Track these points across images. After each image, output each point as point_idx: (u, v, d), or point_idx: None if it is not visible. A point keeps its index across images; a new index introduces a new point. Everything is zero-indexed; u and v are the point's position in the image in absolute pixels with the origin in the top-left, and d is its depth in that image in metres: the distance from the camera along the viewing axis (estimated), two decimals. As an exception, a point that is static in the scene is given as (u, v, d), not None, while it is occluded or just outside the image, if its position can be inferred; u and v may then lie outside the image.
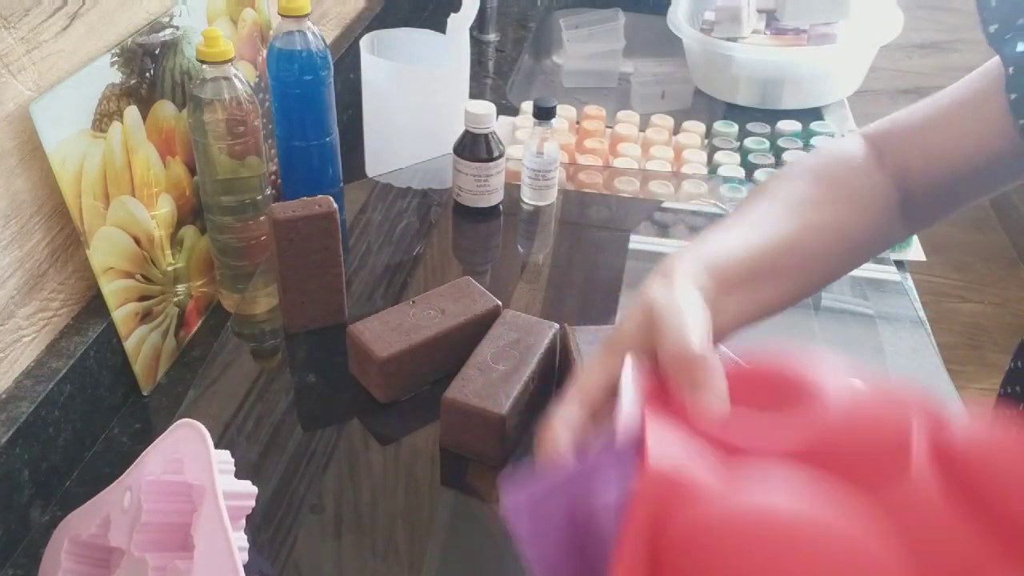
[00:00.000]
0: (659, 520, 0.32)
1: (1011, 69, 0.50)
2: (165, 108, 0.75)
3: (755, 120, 1.20)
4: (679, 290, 0.42)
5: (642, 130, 1.15)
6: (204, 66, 0.72)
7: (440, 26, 1.01)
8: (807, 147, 1.13)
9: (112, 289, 0.70)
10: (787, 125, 1.18)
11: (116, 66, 0.69)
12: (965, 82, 0.55)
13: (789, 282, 0.50)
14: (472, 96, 1.04)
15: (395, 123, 0.98)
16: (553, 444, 0.38)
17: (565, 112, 1.16)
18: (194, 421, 0.49)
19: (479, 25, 1.49)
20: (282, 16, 0.79)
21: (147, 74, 0.73)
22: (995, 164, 0.53)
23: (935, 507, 0.32)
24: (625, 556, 0.31)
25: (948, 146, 0.55)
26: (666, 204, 0.97)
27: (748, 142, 1.14)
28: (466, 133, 0.86)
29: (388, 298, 0.79)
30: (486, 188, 0.88)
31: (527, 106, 1.19)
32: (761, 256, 0.48)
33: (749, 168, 1.08)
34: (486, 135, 0.86)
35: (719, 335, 0.46)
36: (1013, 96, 0.50)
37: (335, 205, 0.69)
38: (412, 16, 1.51)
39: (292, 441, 0.64)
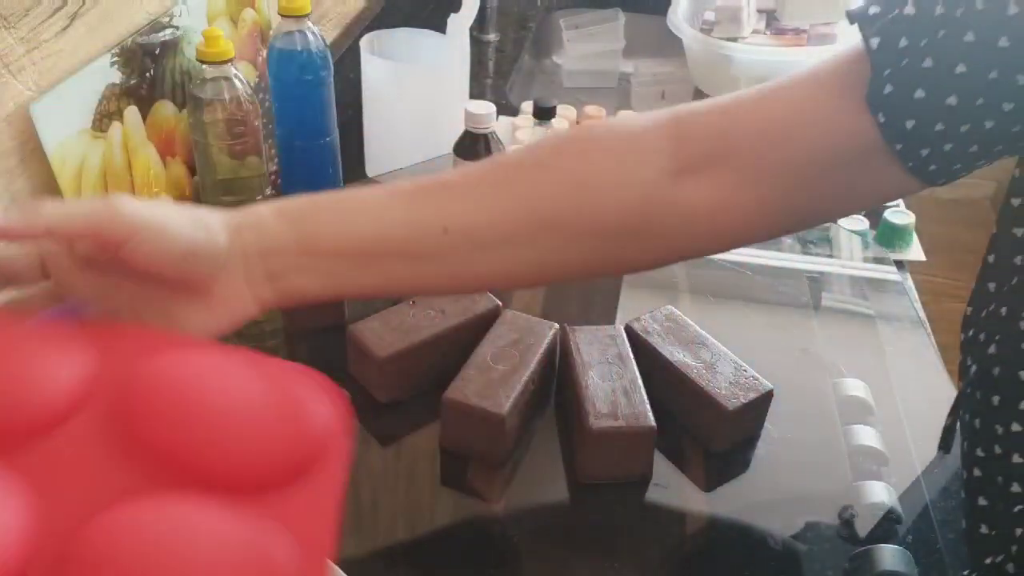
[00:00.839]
0: None
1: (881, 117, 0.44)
2: (165, 108, 0.75)
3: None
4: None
5: (642, 130, 1.15)
6: (204, 66, 0.72)
7: (440, 26, 1.01)
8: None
9: (112, 289, 0.70)
10: (787, 125, 1.18)
11: (116, 66, 0.69)
12: (817, 73, 0.48)
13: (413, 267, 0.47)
14: (472, 96, 1.04)
15: (395, 123, 0.98)
16: None
17: (565, 112, 1.16)
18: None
19: (479, 25, 1.49)
20: (282, 16, 0.79)
21: (147, 74, 0.73)
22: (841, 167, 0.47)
23: (83, 452, 0.35)
24: None
25: (787, 127, 0.47)
26: (666, 204, 0.97)
27: (748, 142, 1.14)
28: (466, 133, 0.86)
29: (388, 298, 0.79)
30: (486, 188, 0.88)
31: (527, 106, 1.19)
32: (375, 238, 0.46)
33: (749, 168, 1.08)
34: (486, 135, 0.86)
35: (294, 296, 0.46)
36: (899, 147, 0.44)
37: (335, 205, 0.69)
38: (412, 16, 1.50)
39: (292, 441, 0.64)
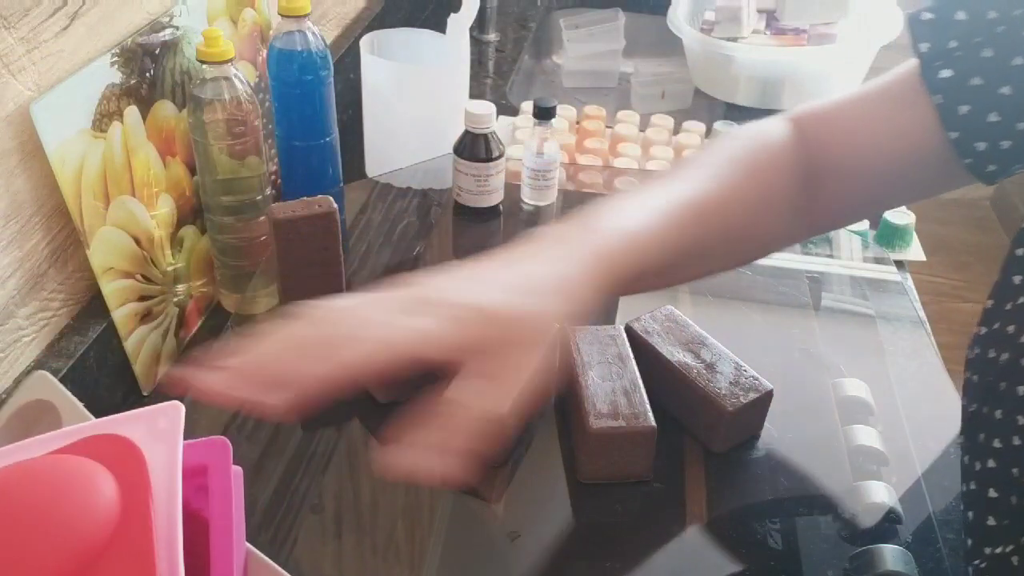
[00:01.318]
0: None
1: (939, 98, 0.49)
2: (165, 108, 0.75)
3: (755, 120, 1.20)
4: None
5: (642, 130, 1.15)
6: (204, 66, 0.72)
7: (440, 26, 1.01)
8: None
9: (112, 289, 0.70)
10: (787, 125, 1.18)
11: (116, 66, 0.69)
12: (894, 76, 0.53)
13: (675, 276, 0.55)
14: (472, 96, 1.04)
15: (395, 123, 0.98)
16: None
17: (565, 112, 1.16)
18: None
19: (479, 25, 1.49)
20: (282, 16, 0.79)
21: (147, 74, 0.73)
22: (914, 167, 0.52)
23: None
24: None
25: (870, 137, 0.53)
26: (666, 204, 0.97)
27: (748, 142, 1.14)
28: (466, 133, 0.86)
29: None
30: (486, 188, 0.88)
31: (527, 106, 1.19)
32: (659, 254, 0.48)
33: (749, 168, 1.08)
34: (486, 135, 0.86)
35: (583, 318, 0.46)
36: (954, 135, 0.49)
37: (335, 205, 0.69)
38: (412, 16, 1.50)
39: (292, 441, 0.64)
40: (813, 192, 0.55)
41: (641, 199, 0.49)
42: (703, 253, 0.52)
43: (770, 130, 0.57)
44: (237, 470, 0.48)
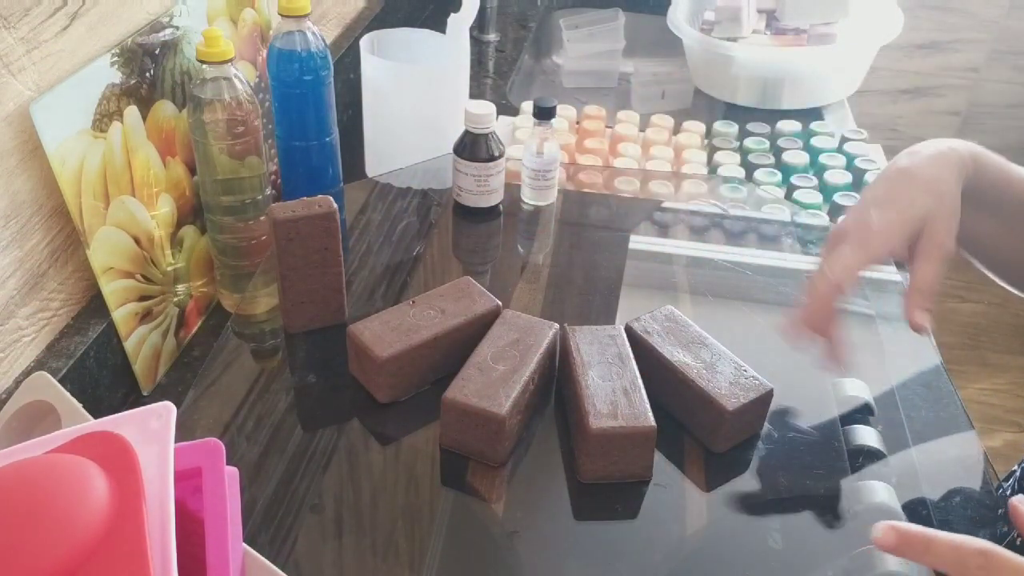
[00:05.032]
0: None
1: None
2: (165, 108, 0.75)
3: (755, 120, 1.20)
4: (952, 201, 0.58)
5: (642, 130, 1.15)
6: (204, 66, 0.72)
7: (440, 26, 1.01)
8: (807, 147, 1.13)
9: (112, 289, 0.70)
10: (787, 125, 1.18)
11: (116, 66, 0.69)
12: None
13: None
14: (472, 96, 1.04)
15: (395, 123, 0.99)
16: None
17: (565, 112, 1.16)
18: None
19: (479, 25, 1.49)
20: (282, 16, 0.79)
21: (147, 74, 0.73)
22: None
23: None
24: None
25: None
26: (666, 204, 0.97)
27: (748, 142, 1.14)
28: (466, 133, 0.86)
29: (388, 298, 0.79)
30: (486, 188, 0.88)
31: (527, 106, 1.19)
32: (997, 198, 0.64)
33: (749, 168, 1.08)
34: (486, 135, 0.86)
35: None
36: None
37: (335, 205, 0.69)
38: (412, 16, 1.51)
39: (292, 441, 0.64)
40: None
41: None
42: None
43: None
44: (232, 471, 0.48)
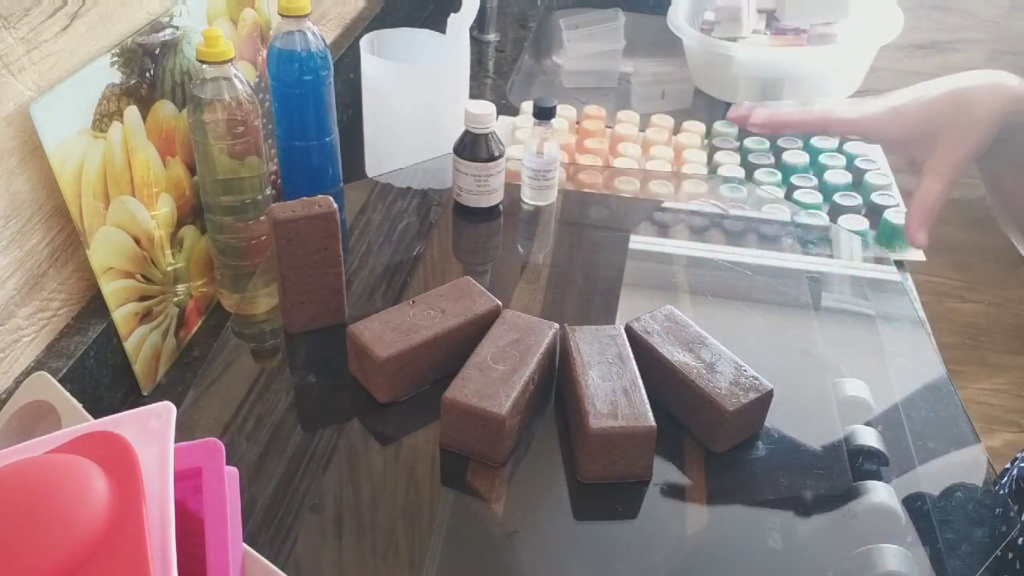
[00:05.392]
0: None
1: None
2: (165, 108, 0.75)
3: (755, 120, 1.20)
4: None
5: (642, 130, 1.15)
6: (204, 66, 0.72)
7: (440, 26, 1.01)
8: (807, 147, 1.13)
9: (112, 289, 0.70)
10: (787, 125, 1.18)
11: (116, 66, 0.69)
12: None
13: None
14: (472, 96, 1.04)
15: (395, 123, 0.99)
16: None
17: (565, 112, 1.16)
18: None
19: (479, 25, 1.49)
20: (282, 16, 0.79)
21: (147, 74, 0.73)
22: None
23: None
24: None
25: None
26: (666, 204, 0.97)
27: (748, 142, 1.14)
28: (466, 133, 0.86)
29: (388, 298, 0.79)
30: (486, 188, 0.88)
31: (527, 106, 1.19)
32: None
33: (749, 168, 1.08)
34: (486, 135, 0.86)
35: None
36: None
37: (335, 205, 0.69)
38: (412, 16, 1.51)
39: (292, 441, 0.64)
40: None
41: None
42: None
43: None
44: (232, 471, 0.48)
